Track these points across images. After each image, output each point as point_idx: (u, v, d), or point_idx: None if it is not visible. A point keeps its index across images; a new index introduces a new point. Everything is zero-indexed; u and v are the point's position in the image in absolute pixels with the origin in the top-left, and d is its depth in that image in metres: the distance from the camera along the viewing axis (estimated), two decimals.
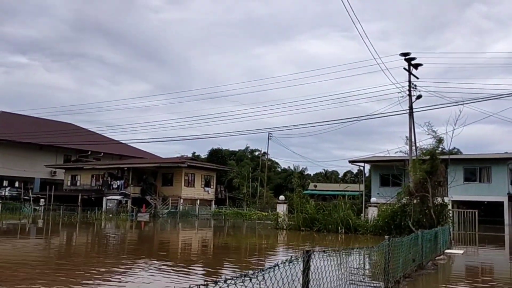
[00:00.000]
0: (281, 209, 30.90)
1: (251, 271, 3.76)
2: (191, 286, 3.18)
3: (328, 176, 77.03)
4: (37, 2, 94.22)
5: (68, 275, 11.09)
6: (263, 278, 3.96)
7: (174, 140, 53.40)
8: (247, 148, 71.91)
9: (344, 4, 17.51)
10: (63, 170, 52.82)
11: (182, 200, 44.81)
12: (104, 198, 43.90)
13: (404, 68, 28.47)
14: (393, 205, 25.03)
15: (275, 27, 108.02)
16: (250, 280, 3.68)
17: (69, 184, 51.36)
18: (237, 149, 72.76)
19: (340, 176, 78.29)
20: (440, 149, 22.59)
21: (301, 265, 4.93)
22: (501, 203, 37.07)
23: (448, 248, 17.15)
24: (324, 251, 5.78)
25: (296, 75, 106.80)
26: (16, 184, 50.04)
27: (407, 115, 28.13)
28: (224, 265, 14.35)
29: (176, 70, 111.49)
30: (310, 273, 5.09)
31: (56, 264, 13.51)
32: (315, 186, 63.80)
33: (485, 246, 22.97)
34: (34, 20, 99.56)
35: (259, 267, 10.26)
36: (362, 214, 30.42)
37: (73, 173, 51.64)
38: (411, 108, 28.02)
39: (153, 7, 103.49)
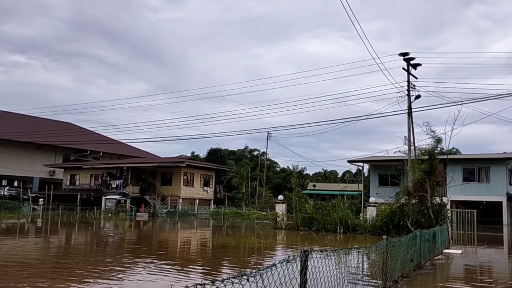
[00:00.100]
0: (280, 208, 30.89)
1: (248, 271, 3.77)
2: (188, 286, 3.19)
3: (327, 176, 77.19)
4: (36, 1, 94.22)
5: (68, 274, 11.10)
6: (261, 278, 3.97)
7: (173, 140, 53.39)
8: (246, 147, 72.12)
9: (343, 4, 17.54)
10: (62, 170, 52.83)
11: (181, 200, 44.83)
12: (103, 198, 43.92)
13: (403, 68, 28.51)
14: (392, 205, 25.03)
15: (273, 26, 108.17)
16: (248, 279, 3.69)
17: (68, 183, 51.34)
18: (236, 149, 72.95)
19: (339, 176, 78.46)
20: (438, 149, 22.64)
21: (299, 265, 4.95)
22: (500, 203, 37.10)
23: (446, 248, 17.18)
24: (321, 251, 5.80)
25: (295, 74, 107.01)
26: (15, 184, 50.05)
27: (406, 115, 28.22)
28: (223, 265, 14.36)
29: (174, 70, 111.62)
30: (308, 272, 5.11)
31: (55, 263, 13.52)
32: (314, 186, 63.96)
33: (484, 246, 23.01)
34: (33, 19, 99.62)
35: (257, 266, 10.27)
36: (361, 214, 30.45)
37: (72, 173, 51.63)
38: (410, 108, 28.06)
39: (152, 7, 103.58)
